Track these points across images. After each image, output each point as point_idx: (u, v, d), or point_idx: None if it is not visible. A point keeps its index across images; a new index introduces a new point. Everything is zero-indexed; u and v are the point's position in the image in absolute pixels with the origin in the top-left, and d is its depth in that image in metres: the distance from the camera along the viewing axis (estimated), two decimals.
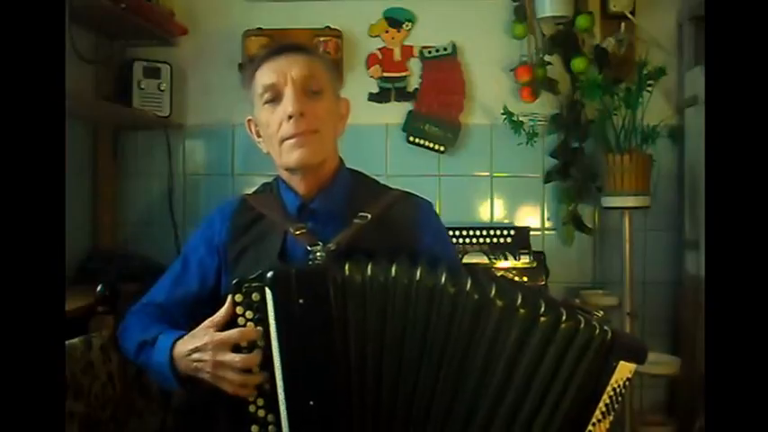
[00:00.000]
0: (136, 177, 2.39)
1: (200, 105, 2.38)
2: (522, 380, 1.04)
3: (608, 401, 1.06)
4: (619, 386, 1.06)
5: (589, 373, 1.05)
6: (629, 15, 2.25)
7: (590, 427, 1.06)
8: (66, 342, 1.32)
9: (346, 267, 1.07)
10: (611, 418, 1.07)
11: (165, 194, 2.37)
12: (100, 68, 2.24)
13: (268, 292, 1.05)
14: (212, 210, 1.38)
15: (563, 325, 1.04)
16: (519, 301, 1.05)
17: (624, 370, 1.05)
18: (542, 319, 1.04)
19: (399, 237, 1.23)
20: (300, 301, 1.05)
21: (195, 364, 1.10)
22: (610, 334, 1.06)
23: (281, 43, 1.31)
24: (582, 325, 1.04)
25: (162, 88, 2.26)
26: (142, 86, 2.23)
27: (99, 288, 1.52)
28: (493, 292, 1.05)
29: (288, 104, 1.20)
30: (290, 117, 1.20)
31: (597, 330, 1.05)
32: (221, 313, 1.11)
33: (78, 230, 2.22)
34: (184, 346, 1.12)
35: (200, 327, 1.12)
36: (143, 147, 2.39)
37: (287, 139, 1.21)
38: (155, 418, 1.53)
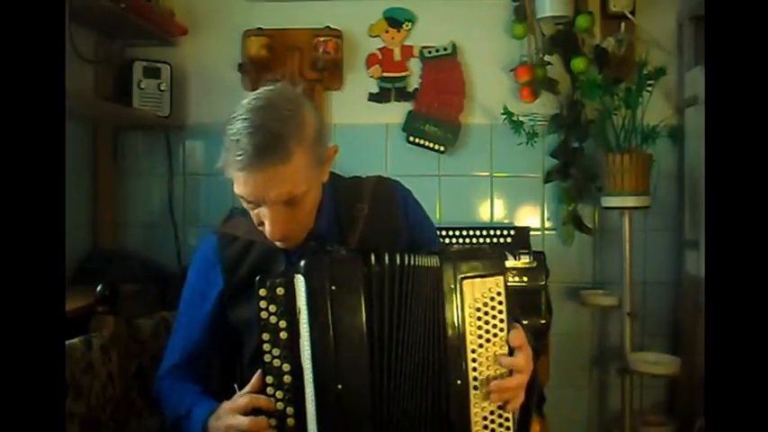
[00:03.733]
0: (136, 177, 2.39)
1: (200, 105, 2.38)
2: (419, 329, 1.12)
3: (480, 323, 1.11)
4: (485, 304, 1.11)
5: (437, 303, 1.11)
6: (629, 15, 2.25)
7: (472, 355, 1.10)
8: (66, 342, 1.32)
9: (372, 258, 1.12)
10: (501, 339, 1.11)
11: (165, 194, 2.37)
12: (100, 68, 2.24)
13: (301, 279, 1.09)
14: (218, 220, 1.37)
15: (414, 268, 1.12)
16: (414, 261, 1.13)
17: (478, 287, 1.11)
18: (412, 269, 1.12)
19: (391, 219, 1.31)
20: (333, 287, 1.09)
21: (216, 428, 1.15)
22: (436, 262, 1.12)
23: (258, 134, 1.10)
24: (417, 265, 1.12)
25: (162, 88, 2.26)
26: (142, 86, 2.22)
27: (99, 288, 1.52)
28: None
29: (267, 226, 1.16)
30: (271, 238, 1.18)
31: (430, 263, 1.12)
32: (251, 385, 1.13)
33: (78, 230, 2.22)
34: (212, 418, 1.17)
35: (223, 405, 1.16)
36: (143, 147, 2.40)
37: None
38: (155, 418, 1.53)
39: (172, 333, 1.38)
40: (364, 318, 1.10)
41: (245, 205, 1.18)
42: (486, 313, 1.11)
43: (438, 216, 2.27)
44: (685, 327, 2.19)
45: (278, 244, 1.22)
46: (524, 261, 2.08)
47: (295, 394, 1.10)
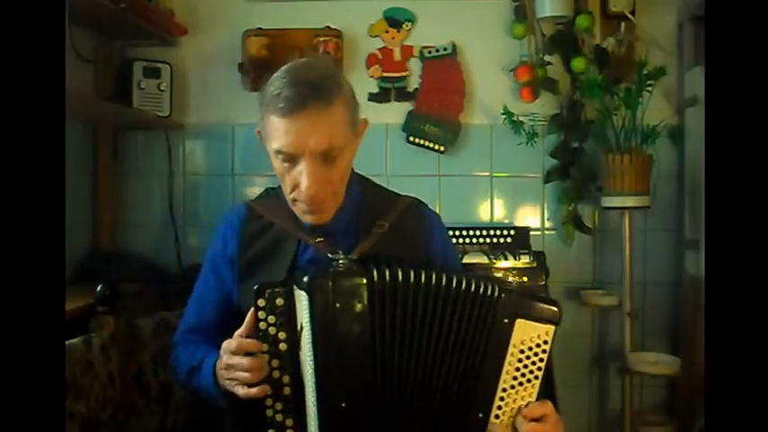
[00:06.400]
0: (136, 177, 2.39)
1: (200, 105, 2.38)
2: (441, 350, 1.10)
3: (519, 365, 1.09)
4: (530, 348, 1.09)
5: (483, 333, 1.09)
6: (629, 15, 2.25)
7: (501, 393, 1.09)
8: (67, 342, 1.32)
9: (375, 274, 1.09)
10: (533, 387, 1.10)
11: (165, 194, 2.37)
12: (100, 68, 2.24)
13: (304, 296, 1.07)
14: (218, 219, 1.39)
15: (462, 292, 1.09)
16: (443, 281, 1.10)
17: (529, 330, 1.09)
18: (453, 291, 1.10)
19: (411, 244, 1.28)
20: (337, 305, 1.07)
21: (221, 371, 1.15)
22: (496, 292, 1.09)
23: (299, 85, 1.12)
24: (471, 289, 1.10)
25: (162, 88, 2.26)
26: (142, 86, 2.23)
27: (99, 288, 1.52)
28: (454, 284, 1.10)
29: (304, 181, 1.14)
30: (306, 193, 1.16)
31: (483, 290, 1.10)
32: (245, 324, 1.13)
33: (78, 230, 2.22)
34: (219, 361, 1.17)
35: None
36: (143, 147, 2.39)
37: (300, 202, 1.19)
38: (155, 418, 1.53)
39: (191, 296, 1.37)
40: (369, 336, 1.08)
41: (280, 167, 1.16)
42: (527, 357, 1.09)
43: None
44: (685, 327, 2.19)
45: (307, 218, 1.21)
46: (524, 261, 2.08)
47: (295, 406, 1.09)
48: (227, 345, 1.12)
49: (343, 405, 1.06)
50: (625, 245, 2.14)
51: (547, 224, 2.36)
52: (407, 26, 2.35)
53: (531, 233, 2.28)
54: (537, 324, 1.09)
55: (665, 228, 2.31)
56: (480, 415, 1.09)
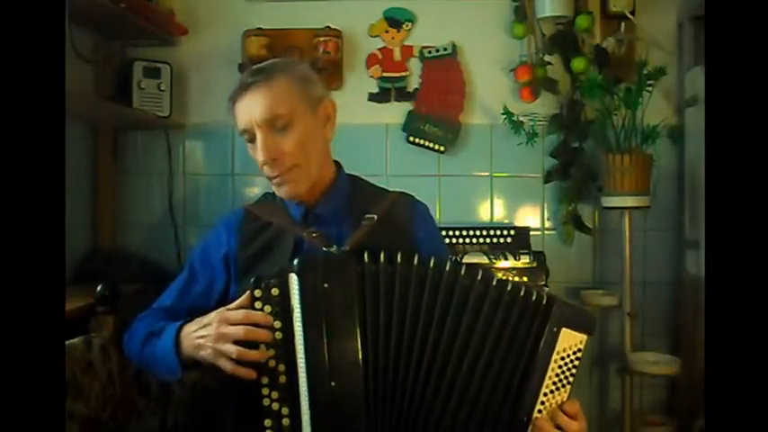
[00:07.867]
0: (136, 177, 2.39)
1: (200, 105, 2.38)
2: (474, 350, 1.12)
3: (558, 371, 1.13)
4: (568, 356, 1.14)
5: (530, 339, 1.13)
6: (629, 15, 2.25)
7: (542, 398, 1.12)
8: (66, 342, 1.32)
9: (365, 257, 1.13)
10: (566, 391, 1.14)
11: (165, 194, 2.37)
12: (100, 68, 2.24)
13: (294, 278, 1.10)
14: (218, 219, 1.42)
15: (506, 296, 1.13)
16: (479, 278, 1.13)
17: (570, 338, 1.14)
18: (493, 293, 1.13)
19: (397, 233, 1.31)
20: (325, 285, 1.10)
21: (198, 340, 1.15)
22: (545, 300, 1.14)
23: (243, 77, 1.28)
24: (521, 294, 1.13)
25: (162, 88, 2.26)
26: (142, 86, 2.22)
27: (99, 288, 1.52)
28: (462, 272, 1.13)
29: (258, 153, 1.25)
30: (264, 163, 1.26)
31: (534, 297, 1.14)
32: (236, 303, 1.14)
33: (78, 230, 2.22)
34: (191, 326, 1.18)
35: (211, 313, 1.17)
36: (143, 147, 2.39)
37: (270, 178, 1.28)
38: (155, 418, 1.53)
39: (174, 282, 1.40)
40: (358, 316, 1.10)
41: (252, 152, 1.27)
42: (565, 364, 1.14)
43: (438, 216, 2.26)
44: (685, 327, 2.19)
45: (282, 191, 1.27)
46: (524, 261, 2.08)
47: (290, 394, 1.09)
48: (226, 313, 1.13)
49: (333, 384, 1.07)
50: (625, 245, 2.14)
51: (547, 224, 2.36)
52: (407, 26, 2.35)
53: (531, 233, 2.28)
54: (577, 333, 1.14)
55: (665, 228, 2.31)
56: (525, 419, 1.12)
